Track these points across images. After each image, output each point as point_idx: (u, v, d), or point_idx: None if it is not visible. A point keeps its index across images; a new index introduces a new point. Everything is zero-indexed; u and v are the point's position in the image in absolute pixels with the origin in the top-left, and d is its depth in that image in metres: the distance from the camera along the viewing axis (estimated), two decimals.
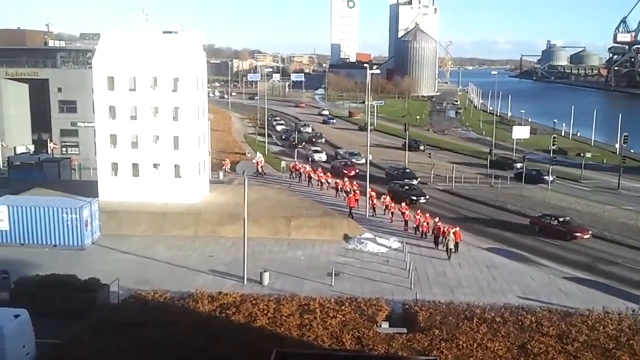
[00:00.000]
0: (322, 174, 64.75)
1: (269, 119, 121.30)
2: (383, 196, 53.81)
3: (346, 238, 45.05)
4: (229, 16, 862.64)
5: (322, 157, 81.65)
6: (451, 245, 42.16)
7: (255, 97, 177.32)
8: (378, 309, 30.27)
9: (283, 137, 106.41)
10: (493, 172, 72.86)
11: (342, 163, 74.61)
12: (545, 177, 67.57)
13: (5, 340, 23.16)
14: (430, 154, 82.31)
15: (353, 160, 77.17)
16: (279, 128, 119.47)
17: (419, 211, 49.60)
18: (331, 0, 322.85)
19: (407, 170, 69.40)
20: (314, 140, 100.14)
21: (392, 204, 52.07)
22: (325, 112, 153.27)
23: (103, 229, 44.56)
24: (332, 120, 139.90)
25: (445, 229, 43.48)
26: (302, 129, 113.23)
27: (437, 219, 46.00)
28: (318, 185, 63.29)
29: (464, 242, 45.12)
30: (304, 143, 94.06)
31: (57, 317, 28.37)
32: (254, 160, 70.11)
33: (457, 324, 28.46)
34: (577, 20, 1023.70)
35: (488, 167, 75.98)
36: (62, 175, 60.83)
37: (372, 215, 52.28)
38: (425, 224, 46.59)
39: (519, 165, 76.89)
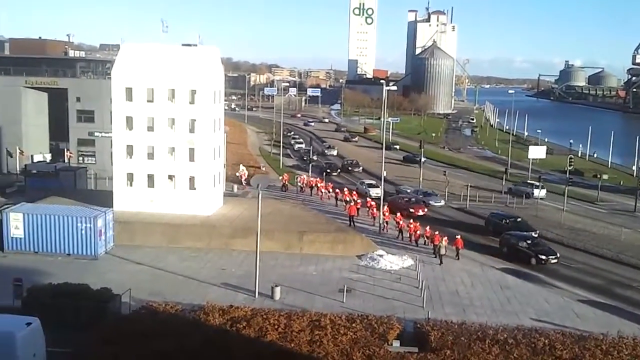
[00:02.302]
0: (322, 184, 66.98)
1: (285, 133, 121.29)
2: (384, 209, 54.28)
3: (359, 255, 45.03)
4: (248, 30, 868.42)
5: (379, 192, 65.09)
6: (443, 251, 44.34)
7: (254, 108, 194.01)
8: (389, 327, 30.02)
9: (304, 158, 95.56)
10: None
11: (406, 200, 63.48)
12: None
13: (17, 347, 23.19)
14: (445, 171, 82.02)
15: (431, 201, 64.85)
16: (298, 147, 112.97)
17: (411, 220, 51.14)
18: (349, 17, 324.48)
19: (519, 219, 55.95)
20: (350, 168, 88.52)
21: (388, 214, 53.45)
22: (312, 124, 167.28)
23: (117, 239, 44.71)
24: (311, 123, 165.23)
25: (440, 237, 45.54)
26: (326, 151, 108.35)
27: (427, 227, 48.45)
28: (318, 195, 65.46)
29: (478, 263, 45.01)
30: (339, 171, 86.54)
31: (68, 326, 28.46)
32: (237, 174, 70.21)
33: (469, 345, 28.15)
34: (596, 41, 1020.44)
35: None
36: (78, 184, 61.24)
37: (373, 225, 53.69)
38: (416, 232, 48.72)
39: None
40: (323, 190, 65.60)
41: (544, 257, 45.98)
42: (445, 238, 45.50)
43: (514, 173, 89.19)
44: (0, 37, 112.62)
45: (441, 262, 44.05)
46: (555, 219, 60.61)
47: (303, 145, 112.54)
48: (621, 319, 35.21)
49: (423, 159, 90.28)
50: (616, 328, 31.60)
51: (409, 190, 69.68)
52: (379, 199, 61.35)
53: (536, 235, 51.69)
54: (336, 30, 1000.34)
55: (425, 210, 60.90)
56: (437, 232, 46.64)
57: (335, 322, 30.08)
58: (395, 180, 78.54)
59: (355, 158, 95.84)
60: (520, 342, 28.83)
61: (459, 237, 46.50)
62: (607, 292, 40.74)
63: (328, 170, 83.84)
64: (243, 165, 76.04)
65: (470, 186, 69.67)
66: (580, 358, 27.54)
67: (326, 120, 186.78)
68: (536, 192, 71.65)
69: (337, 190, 63.84)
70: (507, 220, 55.08)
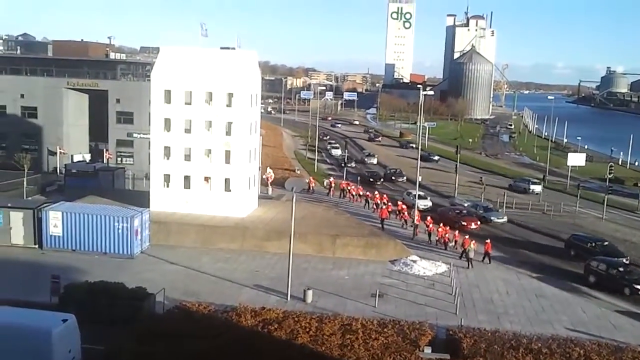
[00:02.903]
0: (353, 187, 67.56)
1: (321, 137, 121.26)
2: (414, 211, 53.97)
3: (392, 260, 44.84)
4: (285, 34, 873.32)
5: (428, 203, 64.07)
6: (471, 255, 44.29)
7: (287, 112, 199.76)
8: (421, 333, 29.79)
9: (342, 165, 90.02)
10: None
11: (457, 212, 59.33)
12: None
13: (53, 343, 23.64)
14: (481, 177, 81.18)
15: (492, 217, 59.74)
16: (334, 152, 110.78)
17: (441, 224, 51.18)
18: (387, 21, 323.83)
19: (606, 243, 49.64)
20: (393, 178, 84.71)
21: (418, 217, 53.16)
22: (339, 125, 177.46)
23: (152, 239, 45.31)
24: (338, 125, 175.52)
25: (469, 240, 45.28)
26: (366, 159, 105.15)
27: (456, 232, 49.06)
28: (349, 198, 65.71)
29: (513, 270, 44.33)
30: (381, 180, 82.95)
31: (103, 324, 28.93)
32: (264, 176, 69.22)
33: (502, 353, 27.77)
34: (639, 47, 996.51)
35: None
36: (116, 184, 62.26)
37: (403, 227, 53.81)
38: (446, 236, 48.80)
39: None
40: (354, 193, 65.72)
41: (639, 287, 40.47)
42: (474, 242, 45.33)
43: (553, 180, 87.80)
44: (43, 39, 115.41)
45: (472, 266, 43.91)
46: (594, 227, 59.42)
47: (339, 152, 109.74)
48: None
49: (436, 158, 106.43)
50: None
51: (466, 204, 64.25)
52: (428, 211, 59.74)
53: (627, 262, 45.68)
54: (373, 34, 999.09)
55: (479, 224, 56.64)
56: (467, 236, 46.63)
57: (367, 326, 30.00)
58: (432, 187, 77.98)
59: (399, 167, 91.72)
60: (554, 351, 28.34)
61: (488, 241, 46.55)
62: None
63: (371, 180, 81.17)
64: (270, 168, 75.52)
65: (506, 189, 68.70)
66: None
67: (356, 122, 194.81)
68: (533, 187, 78.67)
69: (368, 194, 63.86)
70: (593, 244, 48.82)
